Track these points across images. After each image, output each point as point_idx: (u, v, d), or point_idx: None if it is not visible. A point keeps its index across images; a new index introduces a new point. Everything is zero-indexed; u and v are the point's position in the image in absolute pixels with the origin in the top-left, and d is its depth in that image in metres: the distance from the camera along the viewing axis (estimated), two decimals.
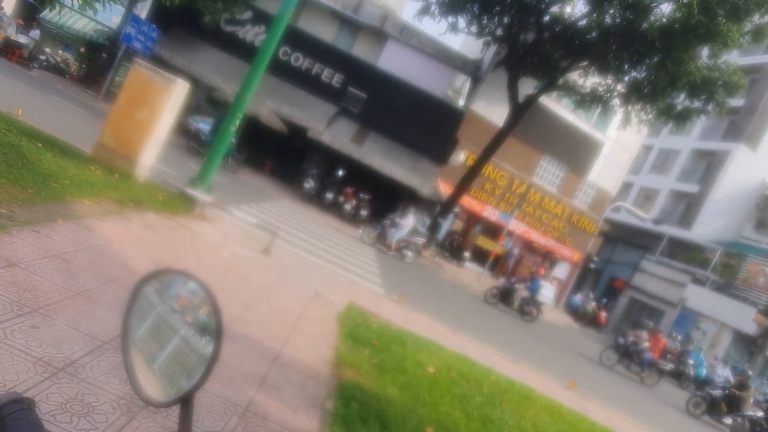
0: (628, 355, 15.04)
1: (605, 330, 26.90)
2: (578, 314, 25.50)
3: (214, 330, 0.99)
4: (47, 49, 23.94)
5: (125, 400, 2.85)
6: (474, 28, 21.24)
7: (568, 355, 14.96)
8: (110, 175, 7.53)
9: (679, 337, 22.41)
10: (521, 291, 16.56)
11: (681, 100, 19.77)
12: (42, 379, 2.69)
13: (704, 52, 18.52)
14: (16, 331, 2.96)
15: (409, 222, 17.30)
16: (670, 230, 31.78)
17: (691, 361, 18.69)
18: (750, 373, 17.35)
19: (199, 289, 1.04)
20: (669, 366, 15.88)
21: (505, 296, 16.59)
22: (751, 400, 13.57)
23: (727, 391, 13.72)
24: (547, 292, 16.60)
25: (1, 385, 2.50)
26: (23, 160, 6.01)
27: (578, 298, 26.59)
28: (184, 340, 1.02)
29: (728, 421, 13.43)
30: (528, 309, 16.35)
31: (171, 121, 8.55)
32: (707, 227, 31.13)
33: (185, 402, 0.96)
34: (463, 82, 26.79)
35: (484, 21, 20.94)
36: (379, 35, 23.55)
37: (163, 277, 1.09)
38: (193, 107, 19.16)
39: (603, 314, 24.37)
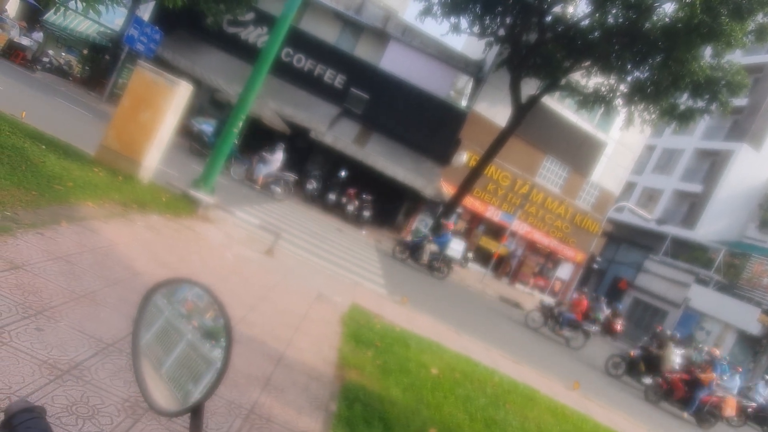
0: (553, 316, 14.99)
1: (621, 338, 26.25)
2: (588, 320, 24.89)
3: (224, 343, 0.99)
4: (50, 51, 24.02)
5: (130, 403, 2.86)
6: (476, 29, 21.23)
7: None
8: (114, 177, 7.55)
9: (706, 348, 20.28)
10: (430, 245, 16.24)
11: (684, 100, 19.74)
12: (47, 382, 2.69)
13: (707, 51, 18.48)
14: (21, 334, 2.97)
15: (278, 157, 17.13)
16: (674, 230, 31.71)
17: (725, 377, 17.09)
18: (669, 333, 17.08)
19: (210, 300, 1.04)
20: (594, 328, 15.65)
21: (414, 251, 16.36)
22: (672, 360, 13.45)
23: (645, 351, 13.64)
24: (456, 246, 16.18)
25: (6, 388, 2.50)
26: (27, 163, 6.03)
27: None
28: (192, 347, 1.03)
29: (648, 380, 13.30)
30: (438, 265, 16.08)
31: (174, 123, 8.57)
32: (711, 227, 31.05)
33: (196, 412, 0.96)
34: (465, 83, 26.78)
35: (487, 21, 20.93)
36: (381, 36, 23.57)
37: (172, 286, 1.09)
38: (196, 109, 19.18)
39: (618, 321, 22.65)
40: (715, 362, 12.54)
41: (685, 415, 12.22)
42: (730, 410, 12.26)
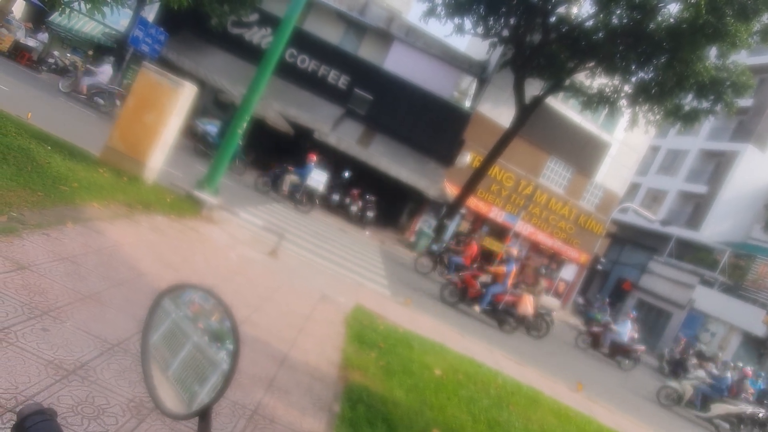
0: (441, 261, 14.91)
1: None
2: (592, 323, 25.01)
3: (231, 347, 1.00)
4: (56, 52, 24.11)
5: (135, 403, 2.88)
6: (480, 30, 21.21)
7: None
8: (119, 177, 7.59)
9: (740, 365, 18.74)
10: (290, 176, 16.25)
11: (689, 101, 19.67)
12: (53, 382, 2.71)
13: (712, 52, 18.41)
14: (27, 334, 2.99)
15: (104, 70, 17.44)
16: (678, 231, 31.61)
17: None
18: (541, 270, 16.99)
19: (216, 304, 1.05)
20: (485, 278, 15.51)
21: (274, 182, 16.38)
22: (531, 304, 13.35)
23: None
24: (318, 177, 16.20)
25: (13, 388, 2.52)
26: (33, 163, 6.06)
27: (594, 308, 24.96)
28: (199, 350, 1.04)
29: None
30: (299, 197, 16.07)
31: (179, 124, 8.60)
32: (716, 228, 30.94)
33: (203, 415, 0.97)
34: (469, 84, 26.77)
35: (491, 22, 20.91)
36: (385, 37, 23.58)
37: (180, 291, 1.10)
38: (200, 109, 19.19)
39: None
40: (510, 260, 12.34)
41: (477, 308, 11.93)
42: (524, 307, 11.95)
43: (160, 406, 1.01)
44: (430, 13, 20.89)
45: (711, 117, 20.67)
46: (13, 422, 0.87)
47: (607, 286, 34.53)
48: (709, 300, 26.97)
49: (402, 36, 23.50)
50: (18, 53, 20.67)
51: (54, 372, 2.79)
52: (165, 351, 1.06)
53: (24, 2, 25.00)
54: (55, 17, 24.81)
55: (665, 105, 19.26)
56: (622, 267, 34.56)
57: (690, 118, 19.52)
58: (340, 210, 20.26)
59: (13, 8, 22.11)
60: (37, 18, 25.52)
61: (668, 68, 17.82)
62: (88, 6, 13.94)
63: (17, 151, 6.16)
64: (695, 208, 32.87)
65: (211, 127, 17.88)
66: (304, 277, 7.97)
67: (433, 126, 22.89)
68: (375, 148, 22.13)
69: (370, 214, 20.43)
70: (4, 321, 3.01)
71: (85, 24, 25.31)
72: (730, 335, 25.87)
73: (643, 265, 32.20)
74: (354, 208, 20.28)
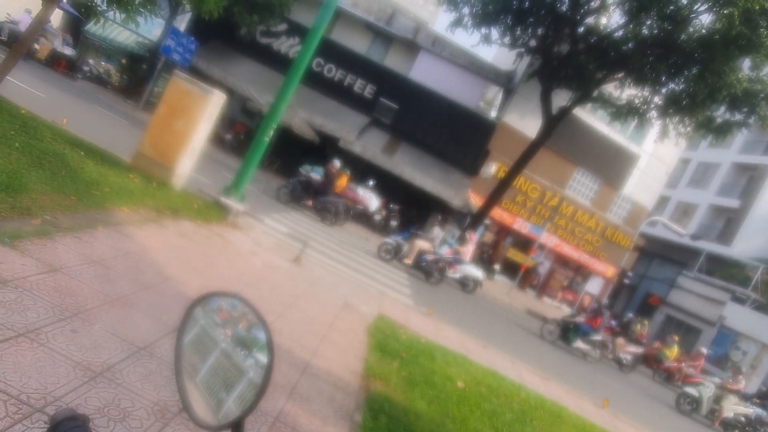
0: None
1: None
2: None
3: (266, 360, 1.00)
4: (90, 60, 24.84)
5: (160, 407, 2.91)
6: (507, 40, 21.10)
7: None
8: (148, 183, 7.73)
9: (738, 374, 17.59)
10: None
11: (721, 113, 19.20)
12: (81, 383, 2.76)
13: (746, 63, 18.00)
14: (57, 335, 3.05)
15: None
16: (709, 246, 30.80)
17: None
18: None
19: (252, 316, 1.05)
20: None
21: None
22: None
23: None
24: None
25: (42, 388, 2.57)
26: (67, 168, 6.22)
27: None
28: (232, 362, 1.04)
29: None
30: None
31: (207, 131, 8.75)
32: (748, 243, 30.06)
33: (237, 427, 0.97)
34: (495, 94, 26.68)
35: (518, 32, 20.78)
36: (411, 47, 23.67)
37: (215, 299, 1.10)
38: (227, 118, 19.37)
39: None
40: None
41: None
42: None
43: (193, 417, 1.01)
44: (457, 23, 20.86)
45: (744, 130, 20.14)
46: (42, 422, 0.88)
47: (634, 300, 33.81)
48: (740, 317, 26.18)
49: (428, 46, 23.56)
50: (54, 61, 21.33)
51: (82, 374, 2.84)
52: (198, 361, 1.06)
53: (61, 12, 25.82)
54: (91, 27, 25.57)
55: (696, 117, 18.83)
56: (649, 281, 33.81)
57: (722, 131, 19.04)
58: (363, 218, 20.27)
59: (50, 17, 22.81)
60: (69, 26, 26.31)
61: (700, 80, 17.44)
62: (123, 16, 14.32)
63: (52, 156, 6.33)
64: (727, 222, 32.03)
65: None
66: (327, 285, 7.98)
67: (458, 136, 22.84)
68: (400, 157, 22.16)
69: (394, 222, 20.40)
70: (36, 322, 3.08)
71: (120, 33, 26.01)
72: (762, 354, 25.04)
73: (671, 279, 31.45)
74: (378, 217, 20.28)
